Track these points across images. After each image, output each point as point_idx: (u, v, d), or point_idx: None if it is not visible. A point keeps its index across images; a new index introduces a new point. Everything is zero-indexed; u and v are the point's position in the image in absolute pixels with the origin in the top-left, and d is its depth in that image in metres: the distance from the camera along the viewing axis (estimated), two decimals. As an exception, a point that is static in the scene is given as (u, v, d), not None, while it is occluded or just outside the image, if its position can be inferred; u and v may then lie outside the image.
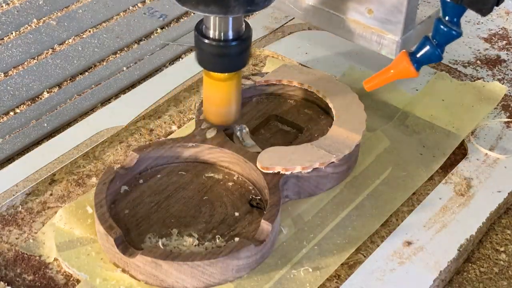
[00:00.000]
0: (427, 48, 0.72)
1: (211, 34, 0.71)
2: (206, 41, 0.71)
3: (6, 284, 0.68)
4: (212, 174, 0.77)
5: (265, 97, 0.86)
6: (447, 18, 0.70)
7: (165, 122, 0.87)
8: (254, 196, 0.74)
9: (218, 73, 0.73)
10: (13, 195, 0.76)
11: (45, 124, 0.86)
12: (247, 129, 0.80)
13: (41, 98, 0.91)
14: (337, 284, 0.69)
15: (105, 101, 0.91)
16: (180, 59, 0.98)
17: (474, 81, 0.92)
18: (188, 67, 0.94)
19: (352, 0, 0.81)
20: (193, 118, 0.85)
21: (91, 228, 0.71)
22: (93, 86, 0.93)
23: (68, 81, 0.94)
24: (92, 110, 0.89)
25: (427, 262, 0.70)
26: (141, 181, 0.76)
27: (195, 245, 0.69)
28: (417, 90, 0.91)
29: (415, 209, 0.75)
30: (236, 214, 0.73)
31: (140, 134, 0.85)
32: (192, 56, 0.97)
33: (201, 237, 0.70)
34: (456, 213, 0.75)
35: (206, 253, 0.66)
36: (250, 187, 0.75)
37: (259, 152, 0.76)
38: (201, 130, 0.78)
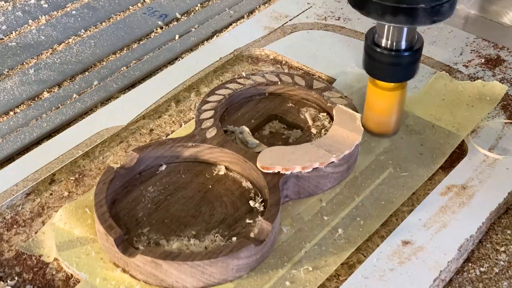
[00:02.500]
0: None
1: (383, 43, 0.71)
2: (378, 49, 0.72)
3: (6, 284, 0.68)
4: (212, 174, 0.77)
5: (265, 97, 0.86)
6: None
7: (165, 122, 0.87)
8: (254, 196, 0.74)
9: (385, 82, 0.74)
10: (13, 195, 0.76)
11: (45, 124, 0.86)
12: (247, 129, 0.80)
13: (41, 98, 0.91)
14: (337, 284, 0.69)
15: (105, 101, 0.91)
16: (180, 59, 0.98)
17: (474, 81, 0.92)
18: (188, 67, 0.94)
19: None
20: (193, 118, 0.85)
21: (91, 228, 0.71)
22: (93, 86, 0.93)
23: (68, 81, 0.95)
24: (92, 110, 0.89)
25: (427, 262, 0.70)
26: (140, 180, 0.76)
27: (195, 245, 0.69)
28: (417, 89, 0.91)
29: (415, 209, 0.75)
30: (236, 214, 0.73)
31: (140, 134, 0.85)
32: (192, 56, 0.97)
33: (201, 237, 0.70)
34: (456, 213, 0.75)
35: (206, 253, 0.66)
36: (250, 187, 0.75)
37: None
38: (201, 130, 0.78)
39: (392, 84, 0.75)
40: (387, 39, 0.71)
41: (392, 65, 0.73)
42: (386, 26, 0.70)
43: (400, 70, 0.73)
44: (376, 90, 0.75)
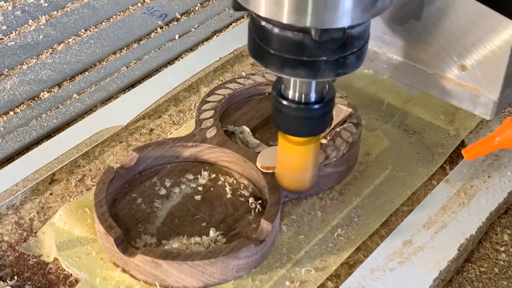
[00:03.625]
0: None
1: (290, 95, 0.65)
2: (286, 102, 0.65)
3: (6, 283, 0.68)
4: (212, 174, 0.77)
5: (265, 97, 0.86)
6: None
7: (165, 122, 0.87)
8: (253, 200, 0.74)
9: (296, 137, 0.67)
10: (13, 195, 0.76)
11: (45, 124, 0.86)
12: (247, 129, 0.80)
13: (41, 98, 0.91)
14: (337, 283, 0.69)
15: (105, 101, 0.91)
16: (180, 59, 0.98)
17: (474, 81, 0.92)
18: (188, 67, 0.94)
19: (443, 55, 0.74)
20: (193, 118, 0.85)
21: (91, 228, 0.71)
22: (93, 86, 0.93)
23: (68, 81, 0.95)
24: (92, 110, 0.89)
25: (427, 262, 0.70)
26: (140, 180, 0.76)
27: (195, 245, 0.69)
28: (417, 89, 0.90)
29: (415, 208, 0.75)
30: (236, 214, 0.73)
31: (140, 134, 0.85)
32: (192, 56, 0.97)
33: (201, 237, 0.70)
34: (456, 213, 0.75)
35: (206, 253, 0.66)
36: (250, 187, 0.75)
37: (262, 151, 0.77)
38: (201, 129, 0.78)
39: (305, 138, 0.67)
40: (294, 91, 0.64)
41: (301, 118, 0.66)
42: (292, 79, 0.63)
43: (310, 123, 0.66)
44: (287, 145, 0.68)
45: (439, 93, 0.76)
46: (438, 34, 0.73)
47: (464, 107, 0.75)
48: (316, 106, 0.65)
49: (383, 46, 0.78)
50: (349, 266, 0.70)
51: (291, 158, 0.69)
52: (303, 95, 0.64)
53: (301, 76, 0.60)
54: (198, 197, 0.74)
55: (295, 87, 0.64)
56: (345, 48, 0.59)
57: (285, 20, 0.56)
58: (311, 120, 0.66)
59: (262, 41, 0.60)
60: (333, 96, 0.66)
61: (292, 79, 0.63)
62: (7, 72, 0.95)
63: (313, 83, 0.64)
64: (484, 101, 0.73)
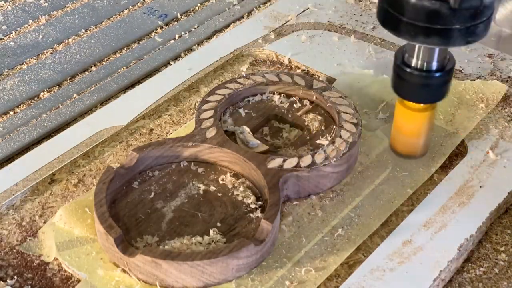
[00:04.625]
0: None
1: (413, 63, 0.69)
2: (408, 70, 0.69)
3: (6, 283, 0.68)
4: (212, 174, 0.77)
5: (265, 96, 0.86)
6: None
7: (165, 122, 0.87)
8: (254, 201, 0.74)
9: (415, 103, 0.72)
10: (13, 195, 0.76)
11: (45, 124, 0.86)
12: (247, 129, 0.80)
13: (41, 98, 0.91)
14: (337, 283, 0.69)
15: (105, 101, 0.91)
16: (180, 59, 0.98)
17: (474, 80, 0.92)
18: (188, 67, 0.94)
19: None
20: (193, 118, 0.85)
21: (91, 228, 0.71)
22: (93, 86, 0.93)
23: (68, 81, 0.95)
24: (92, 110, 0.89)
25: (427, 262, 0.70)
26: (140, 180, 0.76)
27: (195, 245, 0.69)
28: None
29: (415, 208, 0.75)
30: (236, 213, 0.73)
31: (140, 134, 0.85)
32: (192, 56, 0.97)
33: (201, 237, 0.70)
34: (456, 213, 0.75)
35: (206, 253, 0.66)
36: (250, 187, 0.75)
37: (263, 151, 0.77)
38: (201, 129, 0.78)
39: (421, 105, 0.73)
40: (417, 59, 0.69)
41: (422, 86, 0.71)
42: (417, 46, 0.69)
43: (430, 91, 0.71)
44: (404, 111, 0.74)
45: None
46: None
47: None
48: (438, 74, 0.69)
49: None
50: (349, 266, 0.70)
51: (408, 124, 0.74)
52: (425, 63, 0.69)
53: (434, 44, 0.65)
54: (198, 197, 0.74)
55: (419, 55, 0.69)
56: (476, 16, 0.63)
57: None
58: (432, 87, 0.70)
59: (396, 10, 0.64)
60: (454, 66, 0.71)
61: (416, 47, 0.68)
62: (7, 72, 0.95)
63: (436, 51, 0.68)
64: None
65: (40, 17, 1.05)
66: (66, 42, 1.01)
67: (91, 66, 0.97)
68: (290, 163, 0.74)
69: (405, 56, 0.70)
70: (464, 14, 0.63)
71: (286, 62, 0.96)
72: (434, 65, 0.69)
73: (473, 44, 0.99)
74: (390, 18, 0.65)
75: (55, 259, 0.70)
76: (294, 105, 0.84)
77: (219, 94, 0.83)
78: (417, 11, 0.63)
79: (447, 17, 0.63)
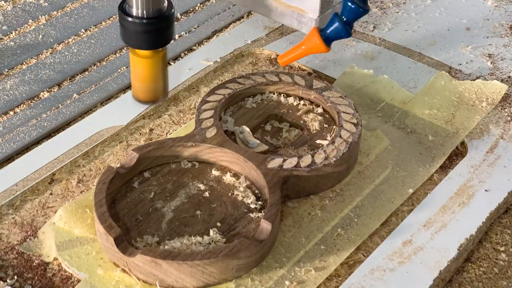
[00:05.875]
0: (336, 24, 0.76)
1: (134, 12, 0.75)
2: (129, 19, 0.75)
3: (6, 283, 0.68)
4: (212, 174, 0.77)
5: (265, 96, 0.86)
6: None
7: (165, 122, 0.87)
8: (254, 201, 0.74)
9: (143, 50, 0.78)
10: (13, 195, 0.76)
11: (45, 124, 0.86)
12: (247, 129, 0.80)
13: (41, 98, 0.91)
14: (337, 283, 0.69)
15: (105, 101, 0.91)
16: (180, 59, 0.98)
17: (474, 80, 0.92)
18: (188, 66, 0.94)
19: None
20: (193, 118, 0.85)
21: (91, 228, 0.71)
22: (93, 86, 0.93)
23: (68, 81, 0.94)
24: (92, 110, 0.89)
25: (427, 262, 0.70)
26: (140, 180, 0.76)
27: (195, 245, 0.69)
28: (417, 89, 0.91)
29: (415, 208, 0.75)
30: (236, 213, 0.73)
31: (140, 133, 0.85)
32: (192, 55, 0.97)
33: (201, 237, 0.70)
34: (456, 213, 0.75)
35: (206, 253, 0.66)
36: (250, 187, 0.75)
37: (263, 151, 0.77)
38: (201, 129, 0.78)
39: (150, 51, 0.78)
40: (136, 8, 0.75)
41: (144, 32, 0.76)
42: None
43: (153, 36, 0.76)
44: (136, 59, 0.79)
45: (271, 14, 0.89)
46: None
47: (293, 26, 0.89)
48: (156, 20, 0.76)
49: None
50: (349, 266, 0.70)
51: (142, 71, 0.79)
52: (143, 11, 0.76)
53: None
54: (198, 197, 0.74)
55: (137, 4, 0.75)
56: None
57: None
58: (153, 33, 0.76)
59: None
60: (173, 12, 0.77)
61: None
62: (7, 72, 0.95)
63: None
64: (307, 20, 0.87)
65: (40, 17, 1.05)
66: (66, 42, 1.01)
67: (91, 66, 0.97)
68: (290, 163, 0.74)
69: (126, 6, 0.76)
70: None
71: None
72: (151, 12, 0.75)
73: (473, 44, 0.99)
74: None
75: (55, 259, 0.70)
76: (294, 105, 0.84)
77: (219, 94, 0.83)
78: None
79: None
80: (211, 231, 0.70)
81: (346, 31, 0.76)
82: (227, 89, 0.84)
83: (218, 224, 0.71)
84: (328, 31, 0.77)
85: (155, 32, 0.76)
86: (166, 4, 0.76)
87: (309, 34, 0.79)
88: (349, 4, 0.74)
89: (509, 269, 0.72)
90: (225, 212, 0.73)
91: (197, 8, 1.10)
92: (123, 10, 0.76)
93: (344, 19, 0.76)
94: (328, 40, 0.77)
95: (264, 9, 0.90)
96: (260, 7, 0.90)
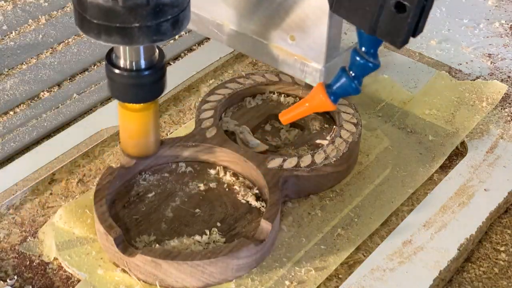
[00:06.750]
0: (343, 80, 0.68)
1: (122, 64, 0.67)
2: (117, 71, 0.67)
3: (6, 283, 0.68)
4: (212, 174, 0.77)
5: (265, 96, 0.86)
6: (363, 49, 0.66)
7: (165, 122, 0.87)
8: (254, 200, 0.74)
9: (132, 104, 0.70)
10: (13, 195, 0.76)
11: (45, 124, 0.86)
12: (248, 129, 0.80)
13: (41, 98, 0.91)
14: (337, 283, 0.69)
15: (105, 101, 0.91)
16: (180, 58, 0.98)
17: (474, 80, 0.92)
18: (188, 67, 0.94)
19: (275, 27, 0.78)
20: (193, 118, 0.85)
21: (91, 228, 0.71)
22: (93, 86, 0.93)
23: (68, 81, 0.94)
24: (92, 109, 0.89)
25: (427, 262, 0.70)
26: (140, 180, 0.76)
27: (195, 245, 0.69)
28: (417, 89, 0.91)
29: (415, 208, 0.75)
30: (236, 213, 0.73)
31: (140, 133, 0.85)
32: (192, 55, 0.97)
33: (201, 237, 0.70)
34: (456, 213, 0.75)
35: (206, 253, 0.66)
36: (250, 187, 0.75)
37: (263, 151, 0.77)
38: (201, 129, 0.78)
39: (141, 104, 0.70)
40: (124, 60, 0.66)
41: (134, 85, 0.68)
42: (122, 47, 0.66)
43: (144, 89, 0.68)
44: (126, 112, 0.71)
45: (273, 62, 0.81)
46: (268, 6, 0.78)
47: (296, 75, 0.80)
48: (147, 72, 0.67)
49: (225, 18, 0.83)
50: (349, 266, 0.70)
51: (132, 125, 0.71)
52: (133, 62, 0.66)
53: (117, 43, 0.62)
54: (198, 197, 0.74)
55: (125, 55, 0.66)
56: (157, 15, 0.61)
57: None
58: (144, 86, 0.68)
59: (81, 9, 0.62)
60: (164, 62, 0.69)
61: (121, 48, 0.66)
62: (7, 72, 0.95)
63: (141, 49, 0.66)
64: (311, 69, 0.78)
65: (40, 17, 1.05)
66: (66, 42, 1.01)
67: (91, 66, 0.97)
68: (290, 163, 0.74)
69: (113, 57, 0.67)
70: (141, 12, 0.60)
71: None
72: (143, 64, 0.67)
73: (473, 44, 0.99)
74: (79, 18, 0.63)
75: (55, 259, 0.70)
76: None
77: (219, 94, 0.83)
78: (95, 9, 0.61)
79: (123, 15, 0.60)
80: (211, 231, 0.70)
81: (355, 88, 0.68)
82: (227, 89, 0.84)
83: (218, 224, 0.71)
84: (334, 88, 0.69)
85: (146, 85, 0.68)
86: (157, 53, 0.68)
87: (314, 90, 0.71)
88: (358, 59, 0.66)
89: (509, 269, 0.72)
90: (225, 212, 0.73)
91: (197, 8, 1.10)
92: (110, 61, 0.68)
93: (352, 75, 0.67)
94: (335, 97, 0.70)
95: (265, 57, 0.80)
96: (261, 54, 0.81)
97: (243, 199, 0.74)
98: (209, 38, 1.02)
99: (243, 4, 0.80)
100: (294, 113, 0.74)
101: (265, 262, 0.69)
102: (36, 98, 0.91)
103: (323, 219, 0.74)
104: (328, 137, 0.80)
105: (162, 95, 0.88)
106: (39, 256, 0.71)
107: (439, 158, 0.81)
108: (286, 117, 0.74)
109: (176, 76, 0.92)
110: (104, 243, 0.68)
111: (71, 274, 0.69)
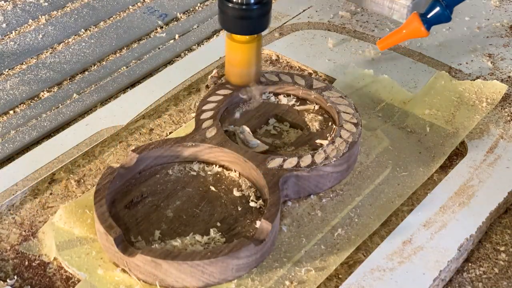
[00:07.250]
0: (437, 9, 0.81)
1: None
2: (230, 4, 0.77)
3: (6, 283, 0.68)
4: (212, 174, 0.77)
5: (265, 96, 0.86)
6: None
7: (165, 122, 0.87)
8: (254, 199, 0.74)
9: (240, 36, 0.79)
10: (13, 195, 0.76)
11: (45, 124, 0.86)
12: (247, 129, 0.80)
13: (41, 98, 0.91)
14: (337, 283, 0.69)
15: (105, 101, 0.91)
16: (180, 58, 0.98)
17: (474, 80, 0.92)
18: (188, 67, 0.94)
19: None
20: (193, 118, 0.85)
21: (91, 228, 0.71)
22: (93, 86, 0.93)
23: (68, 81, 0.94)
24: (91, 109, 0.89)
25: (427, 262, 0.70)
26: (140, 180, 0.76)
27: (195, 245, 0.69)
28: (417, 89, 0.91)
29: (415, 208, 0.75)
30: (236, 213, 0.73)
31: (140, 133, 0.85)
32: (192, 56, 0.97)
33: (201, 237, 0.70)
34: (456, 213, 0.75)
35: (206, 253, 0.66)
36: (250, 187, 0.75)
37: (263, 151, 0.77)
38: (201, 129, 0.78)
39: (247, 37, 0.79)
40: None
41: (243, 18, 0.78)
42: None
43: (251, 23, 0.78)
44: (232, 44, 0.80)
45: (363, 1, 0.94)
46: None
47: (384, 13, 0.92)
48: (255, 7, 0.77)
49: None
50: (349, 266, 0.70)
51: (237, 56, 0.81)
52: None
53: None
54: (198, 197, 0.74)
55: None
56: None
57: None
58: (252, 19, 0.78)
59: None
60: (271, 0, 0.78)
61: None
62: (7, 72, 0.95)
63: None
64: (399, 6, 0.91)
65: (40, 17, 1.05)
66: (66, 42, 1.01)
67: (91, 66, 0.97)
68: (290, 163, 0.74)
69: None
70: None
71: (286, 62, 0.96)
72: None
73: (473, 44, 0.99)
74: None
75: (55, 259, 0.70)
76: (294, 105, 0.84)
77: (219, 94, 0.83)
78: None
79: None
80: (211, 231, 0.70)
81: (447, 15, 0.80)
82: (227, 89, 0.84)
83: (218, 224, 0.71)
84: (428, 16, 0.81)
85: (254, 18, 0.78)
86: None
87: (409, 18, 0.82)
88: None
89: (509, 269, 0.72)
90: (225, 212, 0.73)
91: (197, 8, 1.10)
92: None
93: (445, 4, 0.80)
94: (428, 24, 0.81)
95: None
96: None
97: (243, 199, 0.74)
98: (209, 38, 1.02)
99: None
100: (391, 40, 0.86)
101: (265, 262, 0.69)
102: (36, 98, 0.91)
103: (323, 219, 0.74)
104: (328, 137, 0.80)
105: (162, 95, 0.89)
106: (39, 256, 0.71)
107: (439, 158, 0.81)
108: (383, 44, 0.87)
109: (176, 76, 0.92)
110: (104, 243, 0.68)
111: (71, 274, 0.69)
